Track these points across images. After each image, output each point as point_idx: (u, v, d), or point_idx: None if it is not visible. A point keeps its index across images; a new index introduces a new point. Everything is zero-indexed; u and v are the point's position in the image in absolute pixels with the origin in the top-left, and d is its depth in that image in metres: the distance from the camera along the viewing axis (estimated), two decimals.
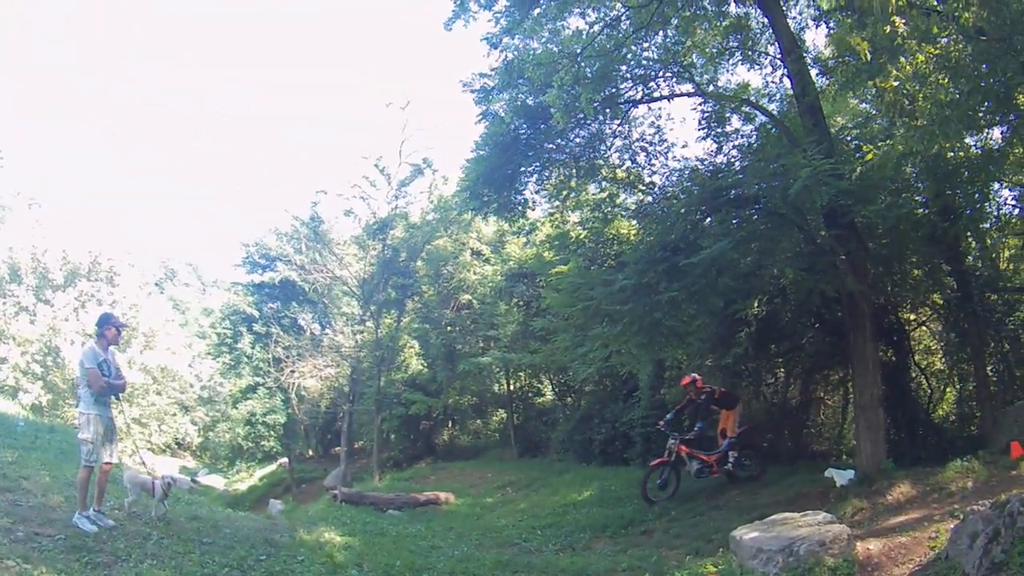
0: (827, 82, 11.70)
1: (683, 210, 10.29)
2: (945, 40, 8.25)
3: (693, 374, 13.37)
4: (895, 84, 8.98)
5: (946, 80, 8.59)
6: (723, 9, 12.28)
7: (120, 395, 8.04)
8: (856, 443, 10.99)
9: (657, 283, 9.34)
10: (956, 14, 7.69)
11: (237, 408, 30.92)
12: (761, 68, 13.31)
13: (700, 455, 12.68)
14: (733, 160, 12.23)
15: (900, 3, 7.65)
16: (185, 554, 7.24)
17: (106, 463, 7.67)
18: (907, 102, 9.21)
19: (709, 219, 10.42)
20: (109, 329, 7.84)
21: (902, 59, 8.46)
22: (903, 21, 7.76)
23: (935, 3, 8.07)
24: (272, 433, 30.69)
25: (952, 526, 6.06)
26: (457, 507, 16.51)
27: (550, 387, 28.20)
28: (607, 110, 12.14)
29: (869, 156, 10.38)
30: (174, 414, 43.77)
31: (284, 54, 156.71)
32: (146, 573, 6.34)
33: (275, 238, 31.55)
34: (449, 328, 26.64)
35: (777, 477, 12.64)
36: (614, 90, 11.88)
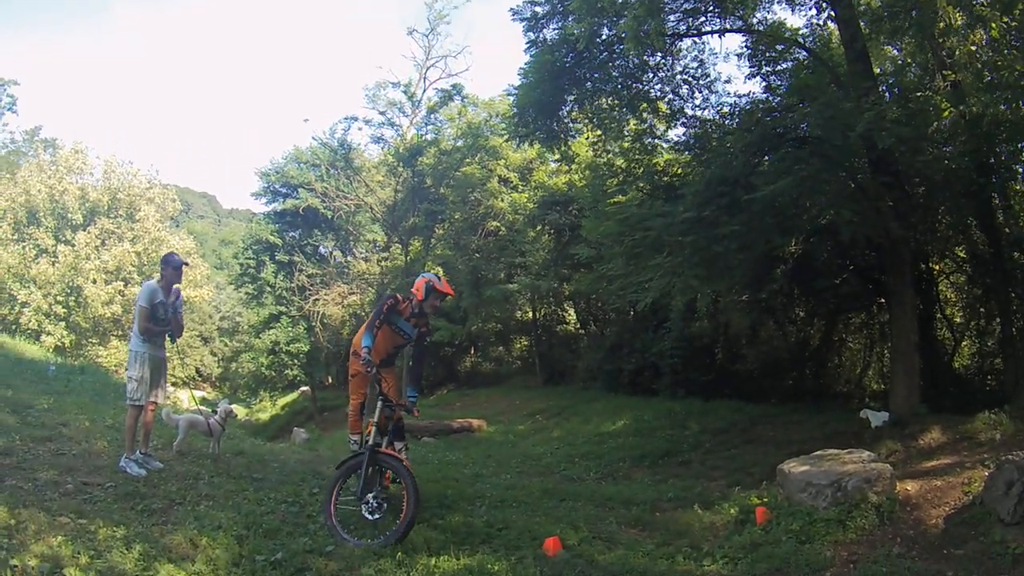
0: (867, 28, 11.92)
1: (742, 147, 10.82)
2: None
3: (431, 278, 7.57)
4: (972, 48, 9.57)
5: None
6: None
7: (176, 338, 8.02)
8: (891, 386, 11.87)
9: (717, 217, 10.03)
10: None
11: (260, 338, 32.57)
12: (804, 9, 13.60)
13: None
14: (784, 99, 12.77)
15: None
16: (239, 492, 7.39)
17: (151, 403, 7.65)
18: (979, 65, 9.80)
19: (768, 157, 11.04)
20: (167, 269, 7.78)
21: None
22: None
23: None
24: (295, 362, 32.49)
25: (987, 474, 6.64)
26: (490, 434, 17.40)
27: (574, 315, 29.28)
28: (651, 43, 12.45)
29: (946, 113, 10.96)
30: (196, 346, 45.47)
31: None
32: (204, 515, 6.41)
33: (296, 166, 32.46)
34: (477, 255, 27.35)
35: (807, 415, 13.49)
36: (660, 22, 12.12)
